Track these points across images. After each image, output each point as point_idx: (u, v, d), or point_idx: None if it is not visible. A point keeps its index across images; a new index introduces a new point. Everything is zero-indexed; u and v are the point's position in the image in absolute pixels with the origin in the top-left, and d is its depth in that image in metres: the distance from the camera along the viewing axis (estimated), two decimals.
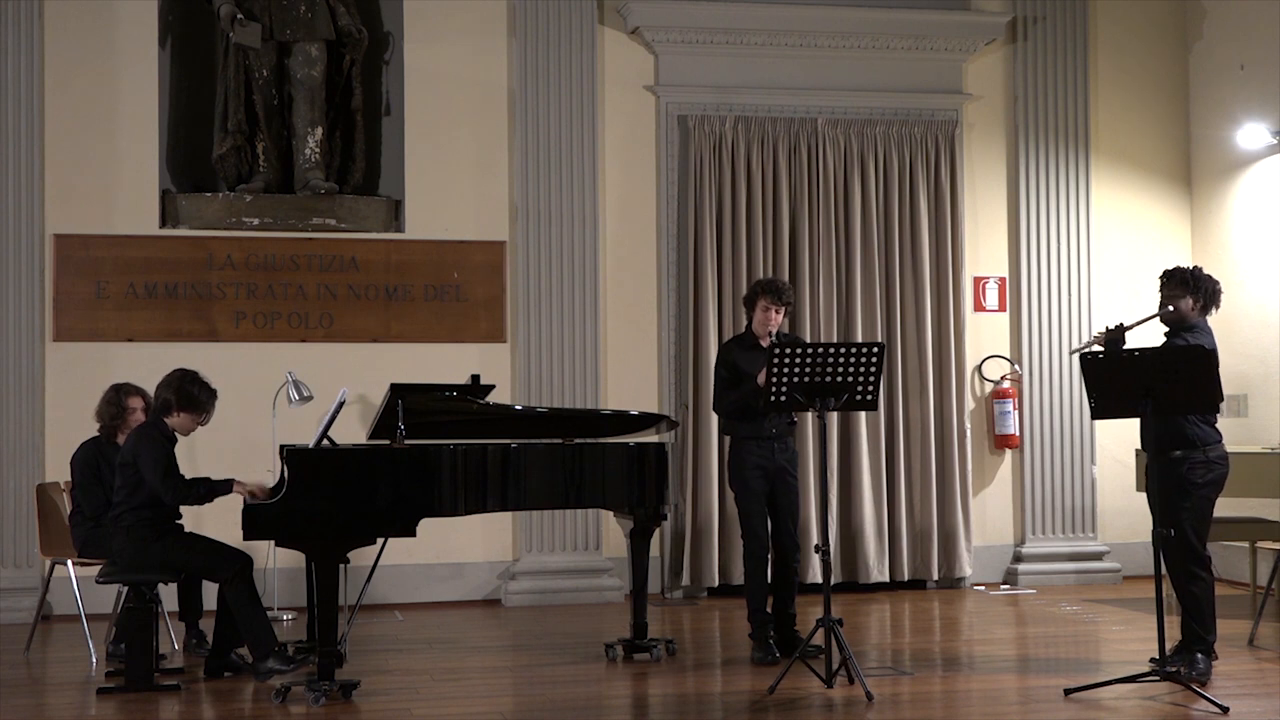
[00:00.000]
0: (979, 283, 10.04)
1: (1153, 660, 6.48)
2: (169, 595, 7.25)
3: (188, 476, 6.77)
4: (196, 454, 8.45)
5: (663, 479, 7.11)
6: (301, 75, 9.17)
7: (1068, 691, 6.27)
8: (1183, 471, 6.50)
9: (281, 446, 7.01)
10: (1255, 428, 9.59)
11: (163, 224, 9.09)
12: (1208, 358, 6.21)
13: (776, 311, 7.16)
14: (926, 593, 9.66)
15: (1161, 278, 6.77)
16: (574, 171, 9.38)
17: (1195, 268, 6.80)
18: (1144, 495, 7.46)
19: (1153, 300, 6.94)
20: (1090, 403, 6.52)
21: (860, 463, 9.55)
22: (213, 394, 6.85)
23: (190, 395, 6.75)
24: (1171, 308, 6.66)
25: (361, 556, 6.61)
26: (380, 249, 9.31)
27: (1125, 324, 6.70)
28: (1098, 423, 9.77)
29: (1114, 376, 6.35)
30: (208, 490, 6.69)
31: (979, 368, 10.00)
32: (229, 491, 6.65)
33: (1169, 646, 6.43)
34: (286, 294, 9.18)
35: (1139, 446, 6.88)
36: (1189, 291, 6.67)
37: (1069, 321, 10.02)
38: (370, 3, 9.51)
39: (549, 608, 9.05)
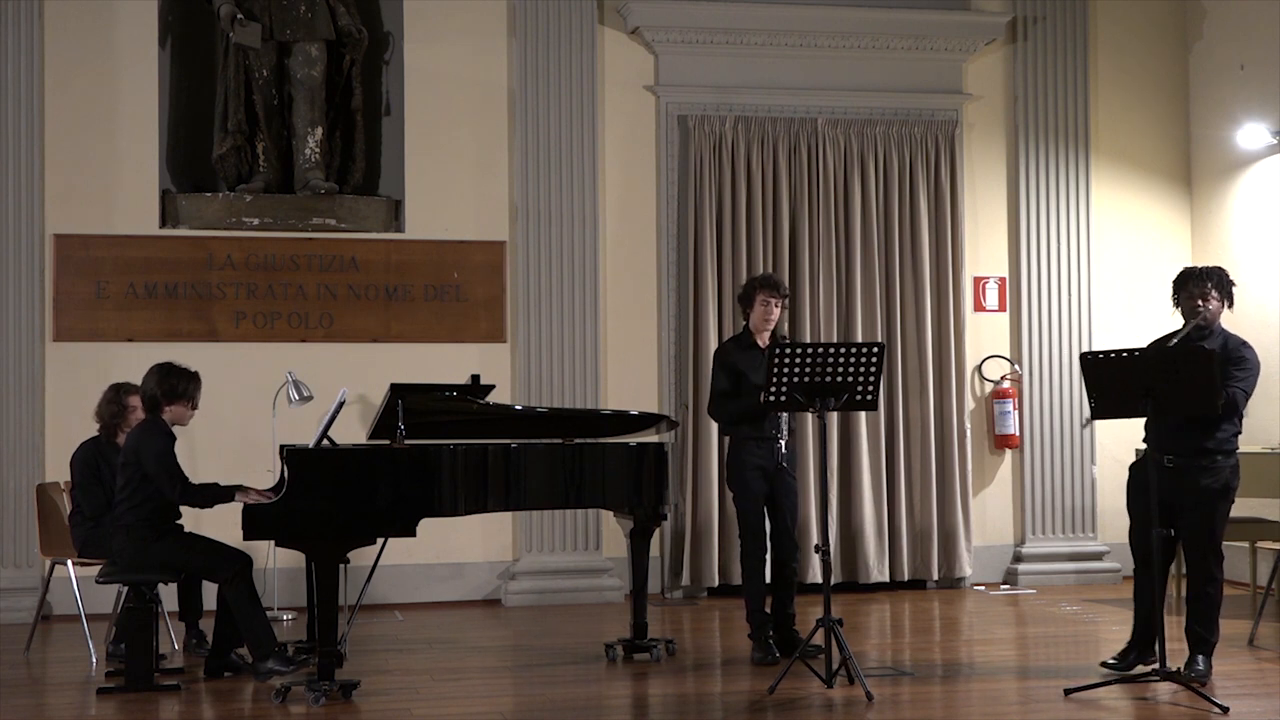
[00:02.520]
0: (979, 283, 10.04)
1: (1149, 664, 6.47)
2: (169, 595, 7.25)
3: (192, 480, 6.78)
4: (197, 454, 8.46)
5: (662, 479, 7.10)
6: (301, 75, 9.17)
7: (1068, 691, 6.27)
8: (1227, 475, 6.48)
9: (281, 446, 7.02)
10: (1255, 428, 9.57)
11: (163, 224, 9.09)
12: (1208, 358, 6.19)
13: (776, 305, 7.16)
14: (926, 593, 9.66)
15: (1194, 277, 6.55)
16: (574, 171, 9.38)
17: (1217, 266, 6.67)
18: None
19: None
20: (1090, 403, 6.51)
21: (860, 463, 9.55)
22: (193, 377, 6.83)
23: (172, 386, 6.75)
24: (1213, 306, 6.51)
25: (361, 556, 6.61)
26: (380, 249, 9.31)
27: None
28: (1098, 422, 9.75)
29: (1114, 376, 6.34)
30: (212, 497, 6.68)
31: (979, 368, 10.00)
32: (231, 500, 6.62)
33: (1168, 649, 6.42)
34: (286, 294, 9.18)
35: (1140, 447, 6.82)
36: (1223, 294, 6.55)
37: (1069, 321, 10.01)
38: (370, 3, 9.51)
39: (549, 608, 9.05)
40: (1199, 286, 6.54)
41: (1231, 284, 6.62)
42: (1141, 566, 6.67)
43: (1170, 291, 6.74)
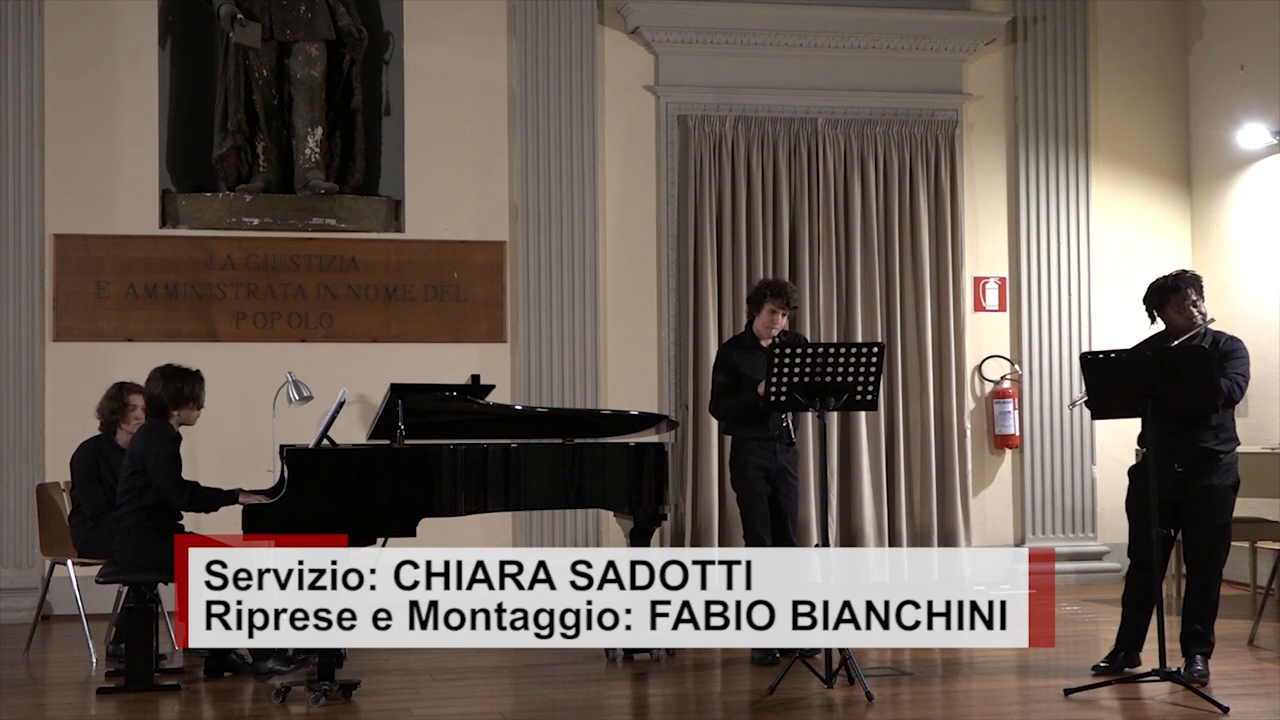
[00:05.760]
0: (979, 283, 10.04)
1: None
2: (169, 595, 7.24)
3: (189, 481, 6.78)
4: (197, 454, 8.44)
5: (662, 479, 7.10)
6: (301, 75, 9.17)
7: (1068, 691, 6.28)
8: (1237, 470, 6.54)
9: (281, 446, 7.01)
10: (1255, 428, 9.58)
11: (163, 224, 9.10)
12: (1208, 358, 6.20)
13: (782, 315, 7.17)
14: None
15: (1186, 283, 6.54)
16: (574, 171, 9.38)
17: (1187, 271, 6.74)
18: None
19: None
20: (1089, 403, 6.52)
21: (860, 463, 9.55)
22: (197, 377, 6.85)
23: (178, 390, 6.77)
24: (1204, 307, 6.57)
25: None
26: (380, 249, 9.31)
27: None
28: (1098, 423, 9.77)
29: (1114, 376, 6.35)
30: (218, 501, 6.70)
31: (979, 368, 10.00)
32: (235, 502, 6.64)
33: (1167, 648, 6.42)
34: (286, 294, 9.18)
35: (1140, 448, 6.80)
36: (1201, 295, 6.61)
37: (1069, 321, 10.02)
38: (370, 3, 9.51)
39: None
40: (1184, 295, 6.51)
41: (1201, 283, 6.67)
42: (1138, 569, 6.67)
43: (1151, 303, 6.66)
